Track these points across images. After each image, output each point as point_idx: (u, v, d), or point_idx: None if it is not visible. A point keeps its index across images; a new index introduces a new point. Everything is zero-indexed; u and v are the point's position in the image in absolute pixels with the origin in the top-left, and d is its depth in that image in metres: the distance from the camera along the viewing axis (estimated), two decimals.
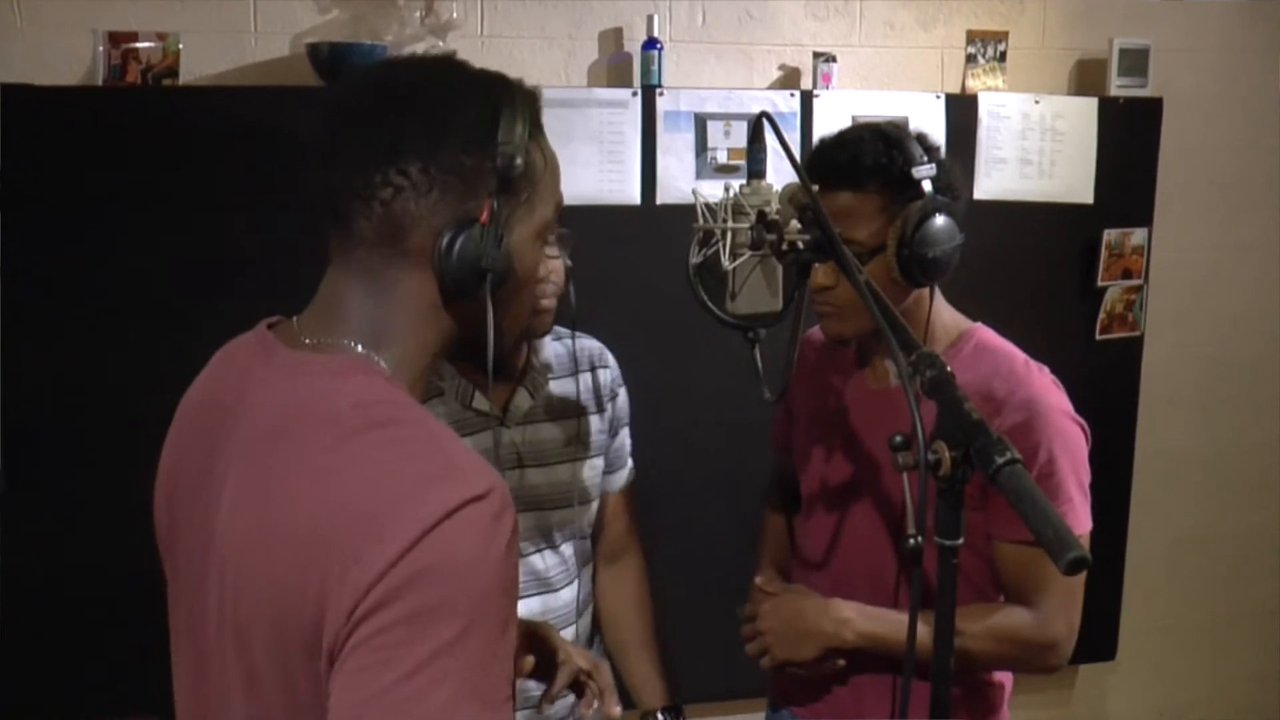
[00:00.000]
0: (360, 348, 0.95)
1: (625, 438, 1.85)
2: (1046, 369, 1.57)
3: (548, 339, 1.73)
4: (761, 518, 1.95)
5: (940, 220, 1.45)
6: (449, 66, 1.01)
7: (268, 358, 0.98)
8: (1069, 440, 1.50)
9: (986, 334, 1.61)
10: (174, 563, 1.03)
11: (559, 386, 1.72)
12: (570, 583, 1.73)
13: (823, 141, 1.59)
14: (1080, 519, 1.49)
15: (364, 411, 0.89)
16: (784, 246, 1.29)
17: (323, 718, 0.82)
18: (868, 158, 1.48)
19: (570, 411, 1.72)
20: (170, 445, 1.06)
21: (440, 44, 2.45)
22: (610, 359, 1.82)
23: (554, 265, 1.58)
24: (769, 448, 1.96)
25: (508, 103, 0.96)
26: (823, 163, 1.53)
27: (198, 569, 0.96)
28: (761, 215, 1.30)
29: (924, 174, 1.46)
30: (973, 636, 1.47)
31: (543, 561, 1.69)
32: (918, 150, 1.48)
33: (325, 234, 0.99)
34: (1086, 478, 1.52)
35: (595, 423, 1.75)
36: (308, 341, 0.97)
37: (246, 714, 0.92)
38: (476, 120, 0.94)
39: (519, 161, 0.95)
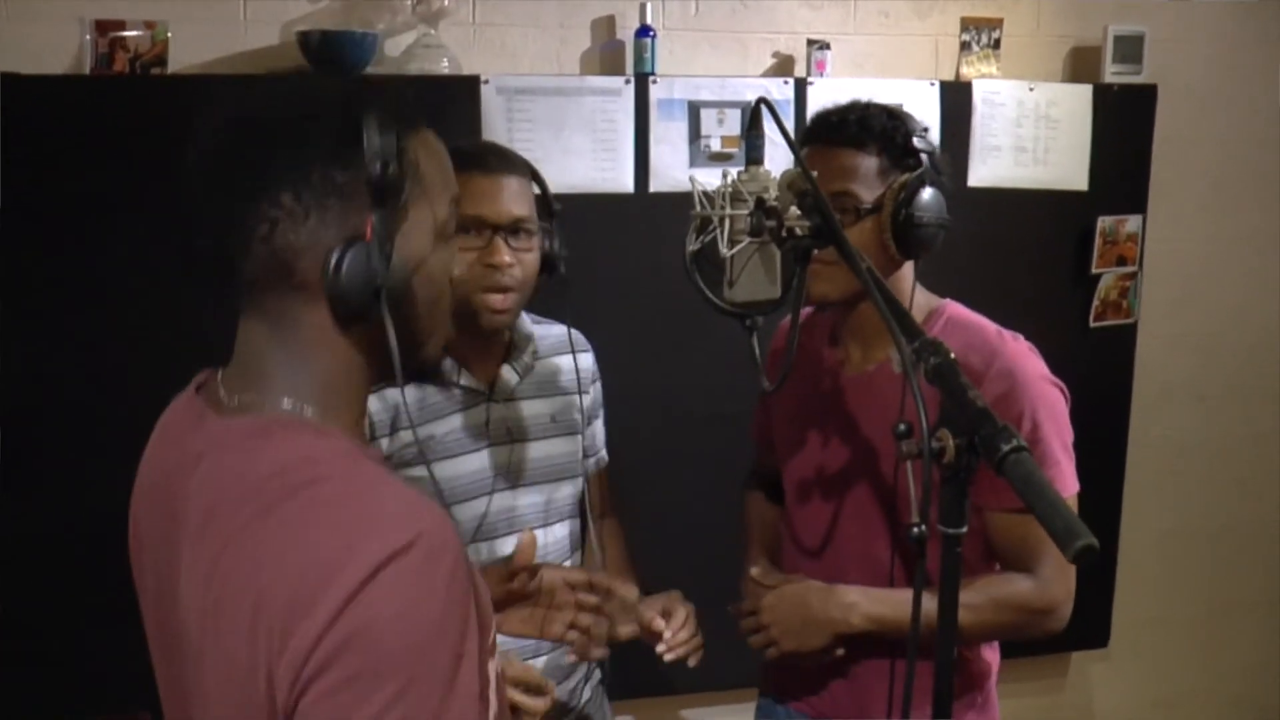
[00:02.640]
0: (286, 401, 0.93)
1: (600, 425, 1.89)
2: (1020, 336, 1.59)
3: (531, 324, 1.76)
4: (744, 505, 1.96)
5: (935, 191, 1.50)
6: (304, 85, 0.99)
7: (198, 426, 0.96)
8: (1051, 404, 1.53)
9: (956, 309, 1.63)
10: (150, 622, 1.03)
11: (543, 366, 1.76)
12: (562, 563, 1.73)
13: (825, 108, 1.61)
14: (1067, 483, 1.53)
15: (281, 479, 0.87)
16: (784, 233, 1.28)
17: None
18: (874, 121, 1.53)
19: (554, 390, 1.76)
20: (133, 510, 1.04)
21: (432, 32, 2.43)
22: (589, 347, 1.85)
23: (500, 260, 1.55)
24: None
25: (367, 109, 0.91)
26: (827, 123, 1.57)
27: (174, 638, 0.95)
28: (760, 202, 1.29)
29: (925, 146, 1.52)
30: (976, 609, 1.47)
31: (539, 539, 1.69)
32: (919, 126, 1.54)
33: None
34: (1070, 438, 1.56)
35: (577, 402, 1.79)
36: (234, 402, 0.95)
37: None
38: (339, 134, 0.90)
39: (391, 168, 0.90)
